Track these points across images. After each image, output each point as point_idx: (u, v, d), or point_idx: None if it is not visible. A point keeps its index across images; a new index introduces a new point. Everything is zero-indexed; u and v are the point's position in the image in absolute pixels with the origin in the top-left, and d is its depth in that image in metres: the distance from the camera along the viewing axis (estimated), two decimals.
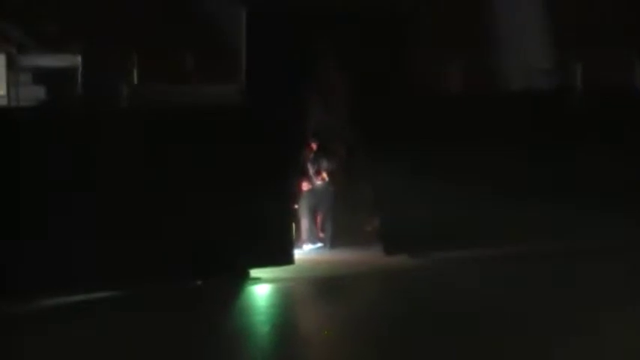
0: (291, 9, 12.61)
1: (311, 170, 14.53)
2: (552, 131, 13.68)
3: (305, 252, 14.20)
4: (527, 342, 8.40)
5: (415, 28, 13.48)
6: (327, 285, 12.25)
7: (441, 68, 14.41)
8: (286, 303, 11.37)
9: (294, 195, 13.73)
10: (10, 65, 13.13)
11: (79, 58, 13.13)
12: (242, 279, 12.19)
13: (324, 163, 14.66)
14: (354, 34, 12.97)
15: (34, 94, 13.15)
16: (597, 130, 13.78)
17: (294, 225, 13.60)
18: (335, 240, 14.66)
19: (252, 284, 12.12)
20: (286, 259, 12.59)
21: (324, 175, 14.61)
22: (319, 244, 14.61)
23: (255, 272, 12.35)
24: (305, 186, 14.48)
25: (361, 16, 12.96)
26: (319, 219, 14.72)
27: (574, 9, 15.30)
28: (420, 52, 13.56)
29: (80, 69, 13.10)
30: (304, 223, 14.55)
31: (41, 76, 13.30)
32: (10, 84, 13.09)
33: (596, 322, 8.91)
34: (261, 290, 11.94)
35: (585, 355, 7.92)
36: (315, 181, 14.60)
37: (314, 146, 14.59)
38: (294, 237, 13.40)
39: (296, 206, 14.11)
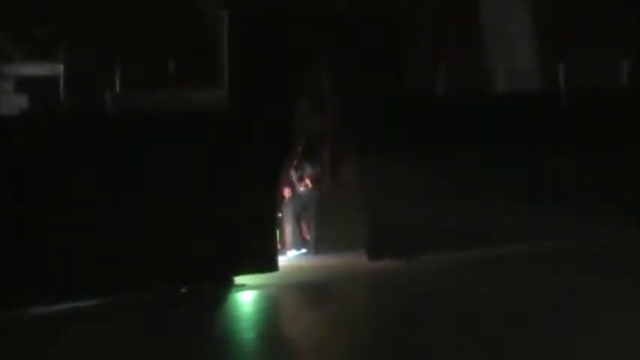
0: (273, 10, 12.59)
1: (294, 176, 14.52)
2: (537, 132, 13.74)
3: (289, 258, 14.20)
4: (518, 343, 8.46)
5: (403, 29, 13.49)
6: (311, 291, 12.26)
7: (428, 70, 14.43)
8: (270, 309, 11.37)
9: (278, 201, 13.70)
10: None
11: (61, 67, 13.11)
12: (226, 286, 12.19)
13: (308, 169, 14.64)
14: (340, 35, 12.96)
15: (16, 102, 13.12)
16: (582, 131, 13.84)
17: (278, 231, 13.59)
18: (319, 246, 14.66)
19: (237, 291, 12.13)
20: (270, 265, 12.56)
21: (307, 181, 14.59)
22: (303, 250, 14.61)
23: (239, 279, 12.36)
24: (287, 192, 14.46)
25: (347, 17, 12.96)
26: (303, 225, 14.72)
27: (558, 10, 15.40)
28: (407, 54, 13.57)
29: (63, 77, 13.07)
30: (288, 229, 14.55)
31: (23, 84, 13.28)
32: None
33: (586, 321, 8.99)
34: (246, 297, 11.95)
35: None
36: (298, 188, 14.59)
37: (297, 152, 14.57)
38: (278, 243, 13.40)
39: (280, 213, 14.09)
